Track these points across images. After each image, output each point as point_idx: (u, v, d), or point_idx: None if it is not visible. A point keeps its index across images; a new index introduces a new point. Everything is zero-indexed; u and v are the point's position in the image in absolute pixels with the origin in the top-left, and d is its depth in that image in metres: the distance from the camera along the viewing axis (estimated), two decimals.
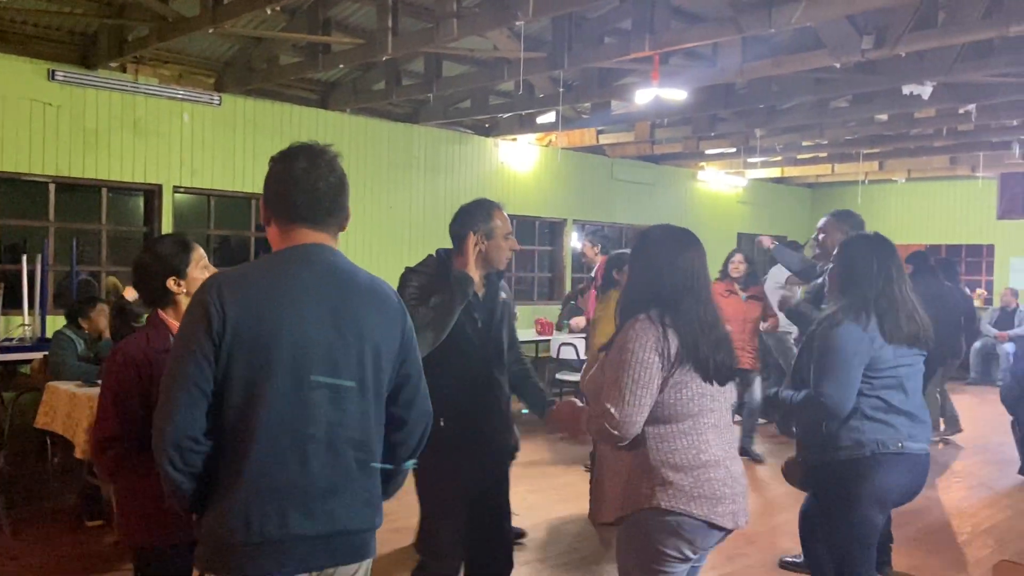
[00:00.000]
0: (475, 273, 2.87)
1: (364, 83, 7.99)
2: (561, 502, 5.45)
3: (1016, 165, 11.08)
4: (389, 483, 2.04)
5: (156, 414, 1.78)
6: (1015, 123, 8.56)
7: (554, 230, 10.99)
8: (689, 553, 2.33)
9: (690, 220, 12.35)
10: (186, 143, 7.41)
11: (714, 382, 2.36)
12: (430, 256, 3.03)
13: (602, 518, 2.44)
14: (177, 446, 1.74)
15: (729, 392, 2.45)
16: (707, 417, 2.36)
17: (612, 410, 2.27)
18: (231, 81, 7.46)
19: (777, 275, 7.95)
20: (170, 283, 2.45)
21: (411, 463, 2.11)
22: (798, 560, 4.44)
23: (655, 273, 2.40)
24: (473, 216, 2.93)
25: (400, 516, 3.26)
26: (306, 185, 1.89)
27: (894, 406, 3.00)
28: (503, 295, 3.07)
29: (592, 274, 7.19)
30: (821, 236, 4.45)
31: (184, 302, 2.36)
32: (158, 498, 1.90)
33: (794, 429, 3.27)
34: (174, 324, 2.35)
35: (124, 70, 7.07)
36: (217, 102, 7.52)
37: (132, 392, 2.27)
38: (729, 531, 2.36)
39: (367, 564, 1.94)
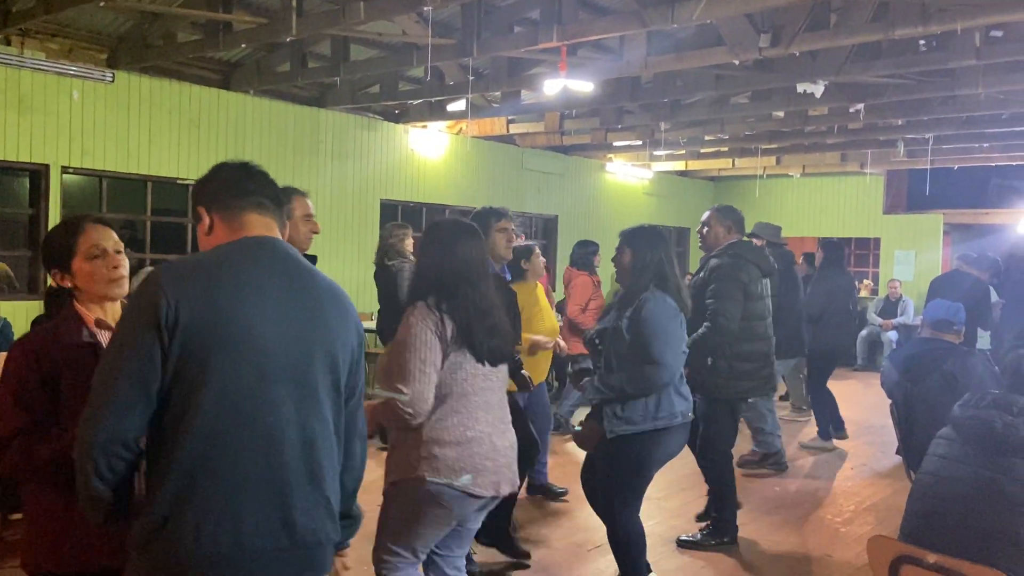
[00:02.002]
0: None
1: (268, 64, 7.77)
2: None
3: (901, 163, 11.71)
4: (349, 494, 1.93)
5: (83, 415, 1.60)
6: (900, 122, 9.04)
7: None
8: (447, 519, 2.60)
9: (598, 210, 12.58)
10: (76, 121, 7.04)
11: (487, 363, 2.60)
12: None
13: (386, 486, 2.69)
14: (105, 452, 1.59)
15: (503, 372, 2.72)
16: (479, 396, 2.61)
17: (403, 388, 2.47)
18: (125, 57, 7.12)
19: None
20: (55, 277, 2.11)
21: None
22: (694, 539, 4.61)
23: (437, 262, 2.63)
24: None
25: None
26: (248, 173, 1.87)
27: (683, 377, 3.50)
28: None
29: None
30: (705, 230, 4.67)
31: (90, 292, 2.08)
32: (73, 517, 1.74)
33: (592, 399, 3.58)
34: (90, 317, 2.08)
35: (8, 43, 6.65)
36: (109, 79, 7.17)
37: (33, 388, 1.97)
38: (491, 498, 2.63)
39: None
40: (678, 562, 4.41)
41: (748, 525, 4.63)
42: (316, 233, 3.25)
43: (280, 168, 8.42)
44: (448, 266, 2.60)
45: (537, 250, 5.13)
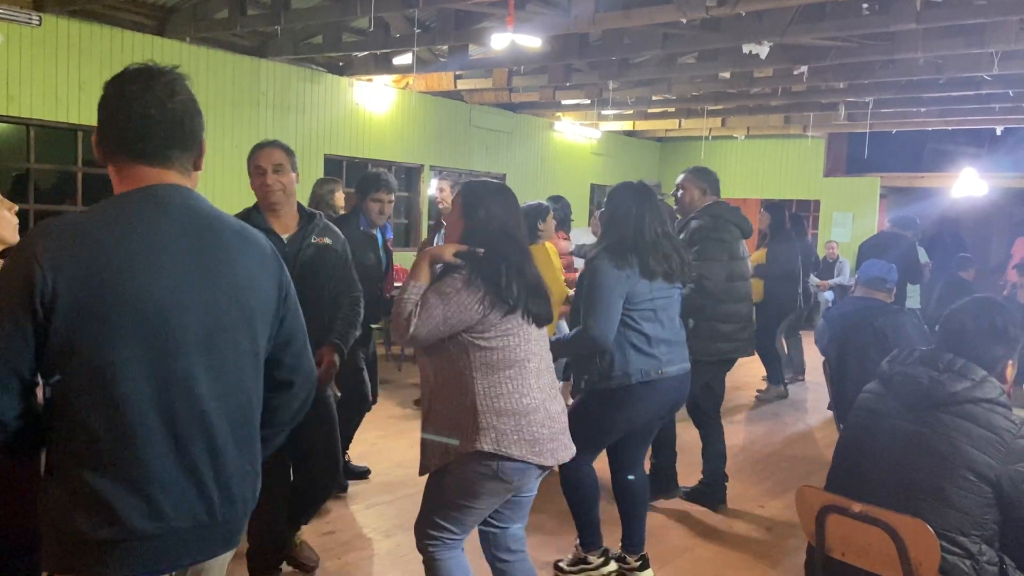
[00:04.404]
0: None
1: (205, 10, 7.48)
2: (411, 447, 5.49)
3: (841, 126, 11.91)
4: (264, 445, 1.83)
5: None
6: (842, 86, 9.17)
7: (410, 175, 10.85)
8: (505, 492, 2.52)
9: (546, 169, 12.54)
10: (1, 67, 6.70)
11: (533, 325, 2.52)
12: None
13: (429, 469, 2.57)
14: None
15: (546, 336, 2.63)
16: (531, 363, 2.51)
17: (415, 323, 2.41)
18: (52, 0, 6.77)
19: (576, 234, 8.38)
20: None
21: None
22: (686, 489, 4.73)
23: (484, 224, 2.55)
24: None
25: None
26: (137, 111, 1.58)
27: (653, 336, 3.38)
28: (319, 239, 3.27)
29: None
30: (680, 192, 4.59)
31: None
32: None
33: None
34: None
35: None
36: (36, 22, 6.82)
37: None
38: (549, 467, 2.56)
39: (232, 552, 1.74)
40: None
41: (683, 479, 4.75)
42: (268, 187, 3.15)
43: (219, 121, 8.17)
44: (495, 227, 2.54)
45: (551, 211, 5.10)
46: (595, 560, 3.63)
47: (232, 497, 1.64)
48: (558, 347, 3.48)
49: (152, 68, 1.64)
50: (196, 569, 1.66)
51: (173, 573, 1.60)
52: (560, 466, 3.53)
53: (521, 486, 2.55)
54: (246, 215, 3.12)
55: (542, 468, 2.54)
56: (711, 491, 4.67)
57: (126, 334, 1.50)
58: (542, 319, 2.55)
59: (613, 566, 3.66)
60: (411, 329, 2.41)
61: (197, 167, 1.69)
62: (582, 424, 3.46)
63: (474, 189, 2.66)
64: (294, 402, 1.84)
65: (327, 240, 3.28)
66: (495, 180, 2.78)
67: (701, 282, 4.22)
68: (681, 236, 4.39)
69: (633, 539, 3.67)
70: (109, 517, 1.51)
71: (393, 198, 4.48)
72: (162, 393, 1.54)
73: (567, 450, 2.60)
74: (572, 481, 3.53)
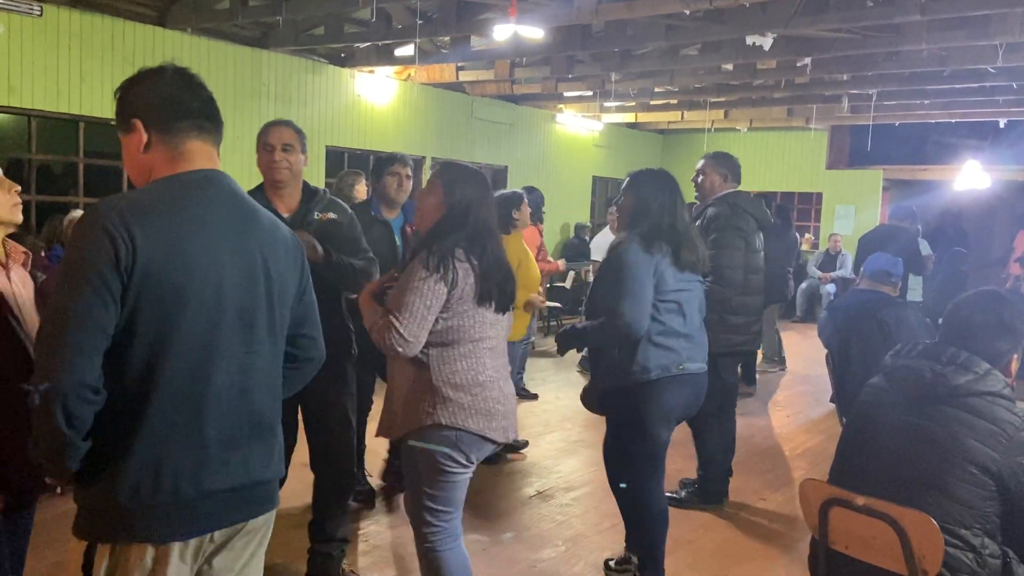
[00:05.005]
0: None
1: (206, 1, 7.45)
2: None
3: (845, 118, 11.87)
4: None
5: (45, 360, 1.50)
6: (845, 78, 9.13)
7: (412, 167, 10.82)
8: (464, 461, 2.58)
9: (548, 161, 12.52)
10: (2, 57, 6.68)
11: (491, 310, 2.60)
12: None
13: (391, 435, 2.68)
14: (76, 397, 1.48)
15: (506, 320, 2.71)
16: (486, 342, 2.60)
17: (402, 325, 2.45)
18: None
19: (601, 241, 8.40)
20: None
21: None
22: (677, 495, 4.53)
23: (465, 209, 2.59)
24: None
25: None
26: (191, 86, 1.77)
27: (675, 330, 3.23)
28: (322, 215, 3.24)
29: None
30: (700, 178, 4.47)
31: None
32: None
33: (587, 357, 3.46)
34: None
35: None
36: (37, 12, 6.80)
37: None
38: (500, 444, 2.65)
39: (273, 513, 1.84)
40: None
41: (685, 471, 4.75)
42: (275, 164, 3.17)
43: (220, 111, 8.13)
44: (477, 214, 2.58)
45: (526, 199, 5.09)
46: None
47: (264, 462, 1.75)
48: (584, 336, 3.32)
49: (175, 65, 1.80)
50: (239, 529, 1.74)
51: (215, 533, 1.69)
52: (630, 488, 3.39)
53: (479, 459, 2.62)
54: (250, 195, 3.13)
55: (495, 444, 2.62)
56: (715, 486, 4.62)
57: (187, 307, 1.59)
58: (505, 306, 2.64)
59: None
60: (402, 329, 2.44)
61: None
62: (620, 433, 3.34)
63: (454, 172, 2.69)
64: (298, 378, 1.97)
65: (332, 215, 3.26)
66: (478, 171, 2.76)
67: (723, 272, 4.08)
68: (697, 224, 4.21)
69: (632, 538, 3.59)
70: (155, 483, 1.58)
71: (410, 172, 4.33)
72: (210, 365, 1.64)
73: (515, 432, 2.69)
74: (641, 504, 3.36)
